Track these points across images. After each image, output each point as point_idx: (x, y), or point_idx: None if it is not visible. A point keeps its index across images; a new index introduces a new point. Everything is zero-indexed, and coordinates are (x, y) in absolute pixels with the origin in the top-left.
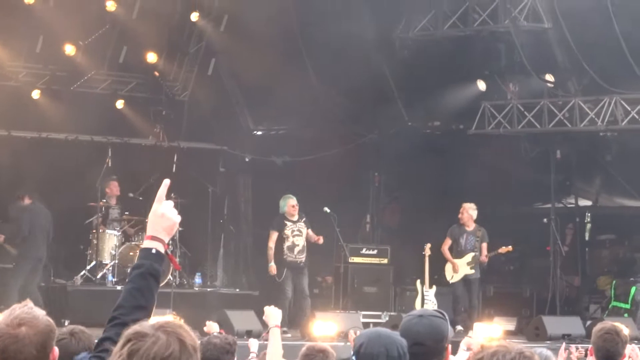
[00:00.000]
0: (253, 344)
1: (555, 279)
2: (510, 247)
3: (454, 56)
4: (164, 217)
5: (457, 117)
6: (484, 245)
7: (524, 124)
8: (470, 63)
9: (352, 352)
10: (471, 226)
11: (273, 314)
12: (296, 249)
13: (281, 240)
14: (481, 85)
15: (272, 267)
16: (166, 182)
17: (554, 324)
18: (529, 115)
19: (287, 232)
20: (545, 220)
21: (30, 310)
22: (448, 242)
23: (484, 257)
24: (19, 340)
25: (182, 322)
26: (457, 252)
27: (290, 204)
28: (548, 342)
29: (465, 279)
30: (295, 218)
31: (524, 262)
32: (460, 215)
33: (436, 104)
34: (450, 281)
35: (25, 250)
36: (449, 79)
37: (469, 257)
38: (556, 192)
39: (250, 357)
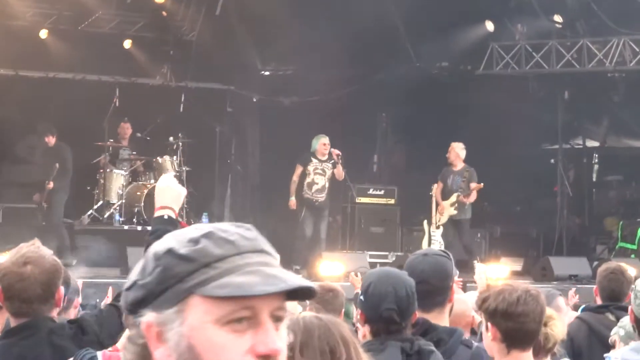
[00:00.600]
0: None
1: (562, 219)
2: (480, 184)
3: None
4: (168, 188)
5: (465, 57)
6: (472, 185)
7: (532, 64)
8: (478, 3)
9: (359, 292)
10: (458, 166)
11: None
12: (314, 187)
13: (303, 176)
14: (489, 25)
15: (292, 202)
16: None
17: (560, 264)
18: (537, 55)
19: (310, 168)
20: (552, 161)
21: (36, 250)
22: (440, 185)
23: (463, 197)
24: (24, 279)
25: None
26: (444, 194)
27: (321, 142)
28: (555, 282)
29: (453, 221)
30: (324, 158)
31: (531, 203)
32: (447, 155)
33: (444, 45)
34: (437, 224)
35: (66, 185)
36: (457, 20)
37: (453, 197)
38: (564, 133)
39: None
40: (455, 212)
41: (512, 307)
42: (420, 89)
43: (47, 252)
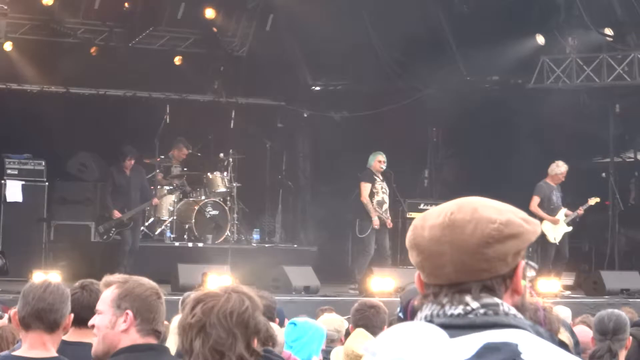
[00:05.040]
0: None
1: (614, 233)
2: (597, 198)
3: (512, 10)
4: None
5: (516, 71)
6: (591, 200)
7: (582, 78)
8: (529, 17)
9: (399, 309)
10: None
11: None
12: (384, 206)
13: (371, 195)
14: (540, 39)
15: (376, 221)
16: None
17: (612, 278)
18: (588, 69)
19: (377, 186)
20: (603, 174)
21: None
22: (537, 200)
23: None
24: None
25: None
26: (549, 210)
27: (377, 159)
28: (607, 297)
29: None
30: (381, 176)
31: (583, 217)
32: (558, 172)
33: (495, 59)
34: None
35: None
36: (507, 33)
37: (562, 213)
38: (615, 146)
39: None
40: (570, 228)
41: None
42: (470, 102)
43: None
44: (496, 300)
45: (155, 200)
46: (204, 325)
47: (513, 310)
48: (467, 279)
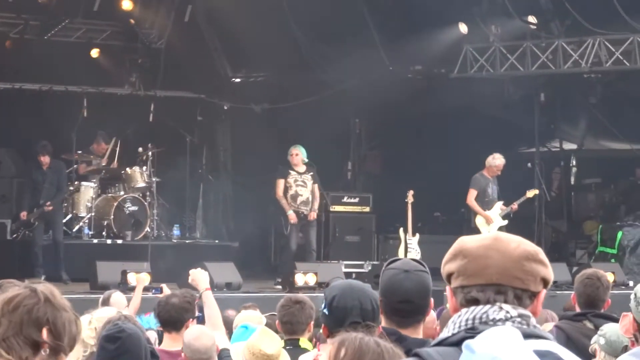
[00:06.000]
0: None
1: (541, 224)
2: (537, 190)
3: None
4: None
5: (439, 61)
6: (529, 192)
7: (506, 66)
8: (451, 6)
9: (323, 305)
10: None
11: (200, 278)
12: (299, 199)
13: (285, 189)
14: (463, 28)
15: (292, 215)
16: None
17: None
18: (512, 57)
19: (290, 180)
20: (529, 164)
21: None
22: (474, 193)
23: (514, 205)
24: None
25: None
26: (484, 204)
27: (290, 152)
28: None
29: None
30: (301, 169)
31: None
32: (493, 164)
33: (418, 48)
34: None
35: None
36: (430, 23)
37: (497, 207)
38: (540, 135)
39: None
40: (506, 222)
41: None
42: (394, 93)
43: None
44: (528, 312)
45: (47, 207)
46: None
47: (537, 324)
48: (505, 282)
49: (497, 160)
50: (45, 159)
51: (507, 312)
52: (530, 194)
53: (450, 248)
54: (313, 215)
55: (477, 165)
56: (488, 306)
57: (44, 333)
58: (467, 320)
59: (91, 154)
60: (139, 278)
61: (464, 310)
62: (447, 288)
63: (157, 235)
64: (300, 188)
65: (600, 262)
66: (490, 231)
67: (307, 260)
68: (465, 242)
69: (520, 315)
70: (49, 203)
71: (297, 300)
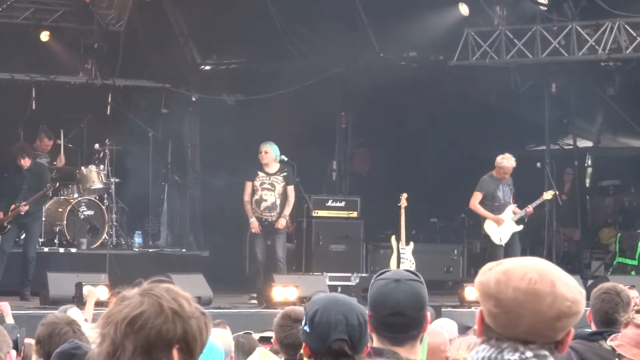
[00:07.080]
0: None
1: (552, 232)
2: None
3: None
4: None
5: (436, 46)
6: (546, 194)
7: (513, 53)
8: None
9: (304, 322)
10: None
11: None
12: (263, 204)
13: (252, 193)
14: (463, 9)
15: (254, 223)
16: None
17: None
18: (519, 43)
19: (257, 183)
20: (539, 164)
21: None
22: (479, 196)
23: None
24: None
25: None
26: (492, 208)
27: (260, 150)
28: None
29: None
30: (272, 169)
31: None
32: (505, 164)
33: (412, 32)
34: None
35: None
36: (426, 3)
37: (510, 210)
38: (551, 131)
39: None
40: (520, 227)
41: None
42: (385, 83)
43: None
44: (545, 352)
45: (23, 207)
46: None
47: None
48: (533, 339)
49: (504, 161)
50: (26, 162)
51: (522, 352)
52: (548, 195)
53: (487, 268)
54: (281, 223)
55: (479, 165)
56: (505, 344)
57: (175, 354)
58: (483, 358)
59: (35, 151)
60: (90, 291)
61: (482, 347)
62: (478, 311)
63: (117, 243)
64: (265, 192)
65: (618, 274)
66: (502, 239)
67: (276, 273)
68: (501, 287)
69: (536, 356)
70: (24, 203)
71: (297, 319)
